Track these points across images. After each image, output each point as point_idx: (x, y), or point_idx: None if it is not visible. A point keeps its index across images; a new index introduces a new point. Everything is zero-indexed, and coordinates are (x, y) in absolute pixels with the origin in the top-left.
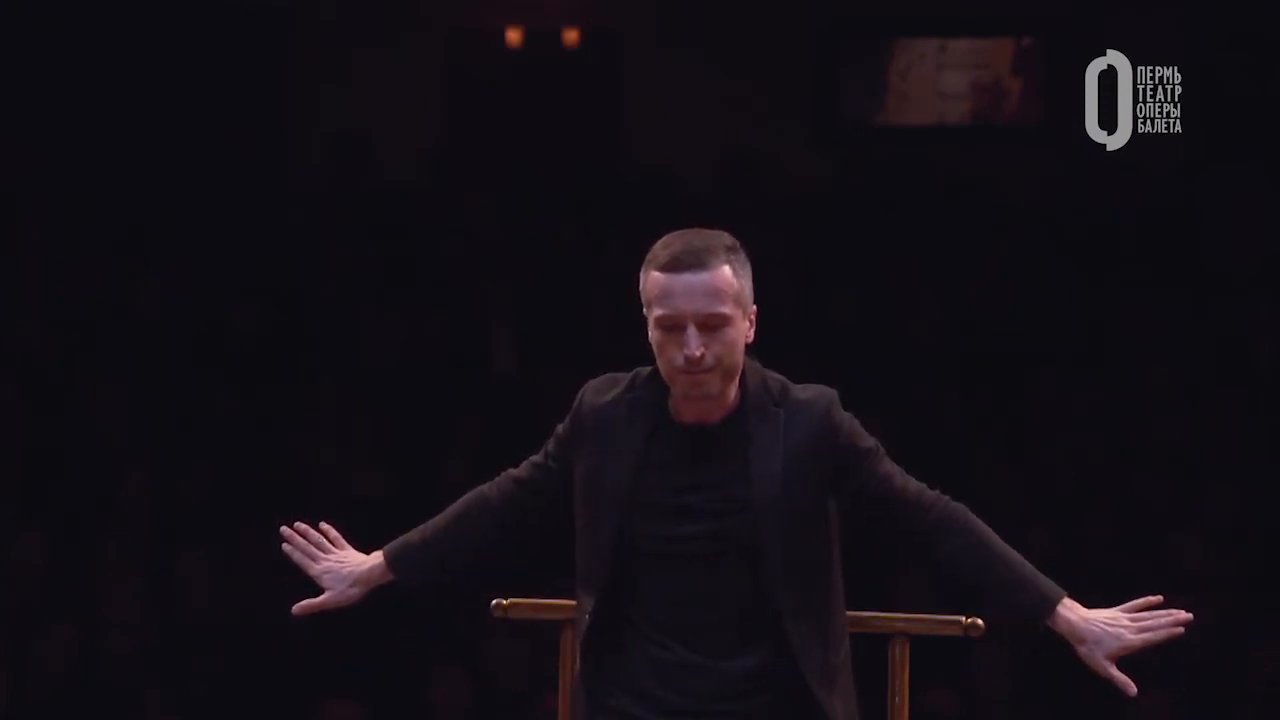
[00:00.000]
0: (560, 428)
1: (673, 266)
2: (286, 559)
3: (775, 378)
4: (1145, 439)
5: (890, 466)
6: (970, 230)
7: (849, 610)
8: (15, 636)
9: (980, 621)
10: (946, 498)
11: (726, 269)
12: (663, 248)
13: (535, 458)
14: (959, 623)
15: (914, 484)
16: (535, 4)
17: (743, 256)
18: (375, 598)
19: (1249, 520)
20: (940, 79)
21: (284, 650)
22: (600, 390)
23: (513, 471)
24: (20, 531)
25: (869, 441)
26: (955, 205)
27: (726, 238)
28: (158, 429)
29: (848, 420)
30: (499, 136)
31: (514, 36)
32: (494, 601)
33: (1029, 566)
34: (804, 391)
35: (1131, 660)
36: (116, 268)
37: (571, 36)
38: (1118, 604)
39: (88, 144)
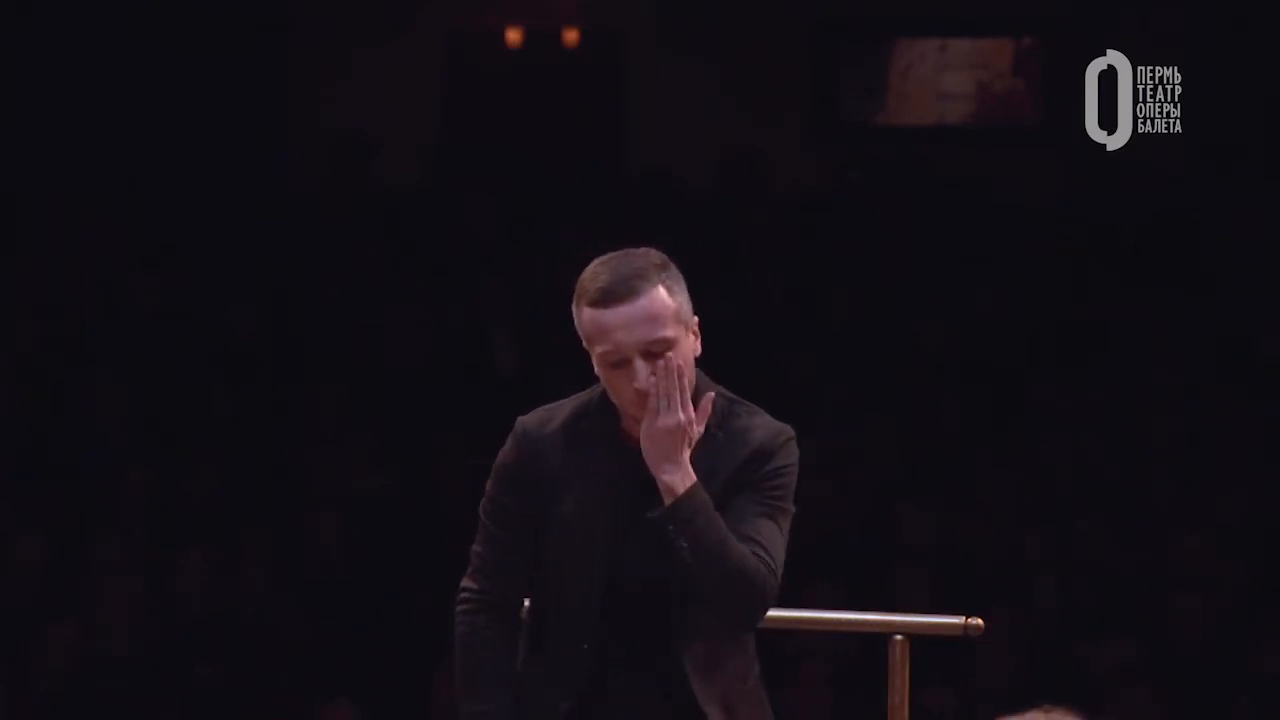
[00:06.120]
0: (494, 485)
1: (605, 300)
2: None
3: (725, 397)
4: (1145, 439)
5: (764, 524)
6: (970, 230)
7: (848, 611)
8: (15, 636)
9: (980, 622)
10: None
11: (660, 291)
12: (591, 280)
13: (493, 529)
14: (959, 623)
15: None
16: (535, 4)
17: (674, 271)
18: (374, 598)
19: (1249, 520)
20: (940, 79)
21: (284, 651)
22: (541, 424)
23: (481, 567)
24: (20, 531)
25: (780, 491)
26: (955, 205)
27: (655, 255)
28: (158, 429)
29: (785, 459)
30: (499, 137)
31: (514, 36)
32: None
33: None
34: (750, 419)
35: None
36: (116, 268)
37: (571, 36)
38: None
39: (88, 144)
